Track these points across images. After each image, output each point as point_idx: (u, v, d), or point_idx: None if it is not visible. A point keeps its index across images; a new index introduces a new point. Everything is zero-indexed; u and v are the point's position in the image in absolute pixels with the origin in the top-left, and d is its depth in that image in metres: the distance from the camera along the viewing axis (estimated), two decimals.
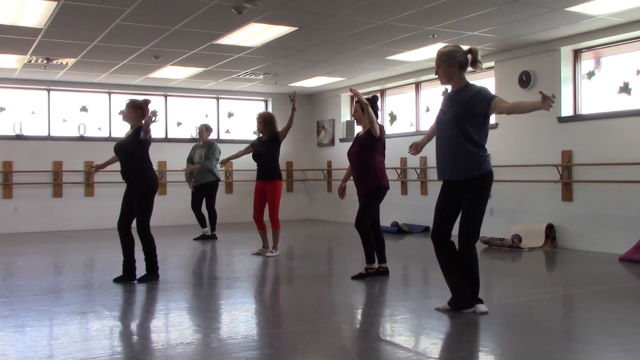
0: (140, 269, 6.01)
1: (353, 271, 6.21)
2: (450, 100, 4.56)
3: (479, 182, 4.43)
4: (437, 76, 4.63)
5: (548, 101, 3.99)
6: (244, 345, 3.94)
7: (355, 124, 7.25)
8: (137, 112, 5.96)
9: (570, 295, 5.58)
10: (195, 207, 9.49)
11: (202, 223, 9.51)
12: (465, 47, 4.58)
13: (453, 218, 4.61)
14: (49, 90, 11.72)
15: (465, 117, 4.39)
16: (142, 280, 5.96)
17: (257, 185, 7.74)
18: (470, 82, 4.56)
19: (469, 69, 4.53)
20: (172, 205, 11.87)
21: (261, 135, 7.85)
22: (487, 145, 4.51)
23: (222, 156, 8.80)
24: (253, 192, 7.83)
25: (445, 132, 4.51)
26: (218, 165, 9.45)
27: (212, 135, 12.92)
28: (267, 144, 7.69)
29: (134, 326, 4.34)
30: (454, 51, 4.52)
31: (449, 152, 4.49)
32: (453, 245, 4.61)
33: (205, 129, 9.72)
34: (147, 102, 6.05)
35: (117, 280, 5.98)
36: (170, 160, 12.45)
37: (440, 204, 4.63)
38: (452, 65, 4.48)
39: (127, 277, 5.97)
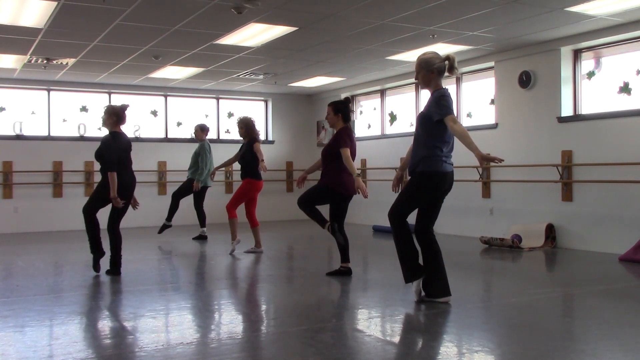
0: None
1: (353, 271, 6.22)
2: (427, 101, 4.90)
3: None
4: (416, 81, 4.94)
5: (489, 160, 4.33)
6: (243, 345, 3.94)
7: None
8: (113, 119, 6.29)
9: (570, 295, 5.58)
10: (197, 206, 9.50)
11: (202, 222, 9.51)
12: (442, 55, 4.89)
13: (424, 214, 4.89)
14: (49, 90, 11.72)
15: (427, 118, 4.71)
16: (108, 273, 6.33)
17: None
18: (444, 87, 4.80)
19: (446, 74, 4.84)
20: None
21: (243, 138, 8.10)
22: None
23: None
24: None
25: (415, 129, 4.88)
26: (211, 168, 9.42)
27: (213, 135, 13.02)
28: (246, 146, 7.93)
29: (133, 326, 4.34)
30: (432, 58, 4.81)
31: (413, 148, 4.84)
32: (431, 242, 4.86)
33: (200, 129, 9.63)
34: (124, 107, 6.39)
35: (95, 266, 6.38)
36: (170, 160, 12.46)
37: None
38: (431, 71, 4.77)
39: (98, 255, 6.39)
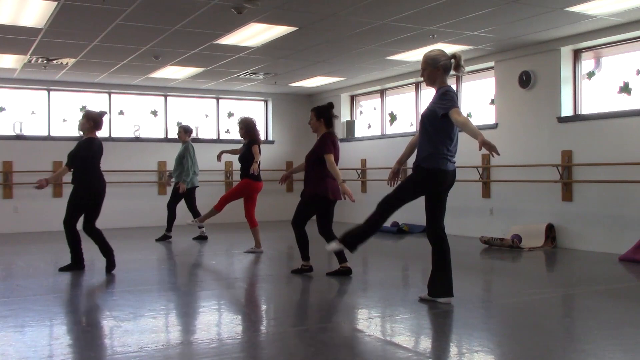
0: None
1: (353, 271, 6.22)
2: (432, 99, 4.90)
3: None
4: (422, 78, 4.95)
5: (487, 148, 4.24)
6: (243, 345, 3.94)
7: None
8: (90, 123, 6.44)
9: (570, 295, 5.58)
10: (190, 208, 9.43)
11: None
12: (449, 52, 4.89)
13: (431, 211, 4.89)
14: (49, 90, 11.72)
15: (432, 114, 4.71)
16: (107, 270, 6.44)
17: None
18: (448, 85, 4.80)
19: (452, 72, 4.83)
20: None
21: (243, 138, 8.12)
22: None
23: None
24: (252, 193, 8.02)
25: (420, 126, 4.88)
26: (195, 170, 9.35)
27: (213, 135, 13.03)
28: (246, 146, 7.95)
29: (133, 326, 4.34)
30: (438, 56, 4.81)
31: (419, 144, 4.83)
32: (441, 241, 4.83)
33: (183, 131, 9.51)
34: (102, 114, 6.54)
35: (64, 269, 6.50)
36: (170, 161, 12.39)
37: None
38: (436, 68, 4.77)
39: (77, 268, 6.52)
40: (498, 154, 4.25)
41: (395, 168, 5.17)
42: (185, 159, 9.22)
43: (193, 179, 9.29)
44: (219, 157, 8.65)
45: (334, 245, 4.97)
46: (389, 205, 4.83)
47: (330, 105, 6.33)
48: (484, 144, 4.21)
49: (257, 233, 7.97)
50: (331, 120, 6.21)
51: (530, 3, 6.68)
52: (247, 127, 7.93)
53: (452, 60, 4.76)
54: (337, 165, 6.02)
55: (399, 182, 5.07)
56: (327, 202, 6.10)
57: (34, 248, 9.00)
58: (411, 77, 10.98)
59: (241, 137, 8.05)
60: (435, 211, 4.88)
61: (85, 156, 6.35)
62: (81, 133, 6.56)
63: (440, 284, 4.83)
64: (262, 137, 13.67)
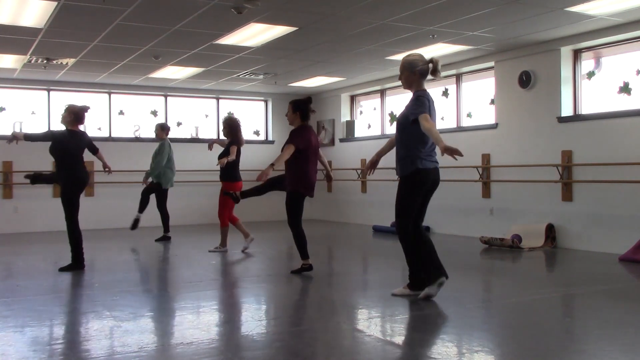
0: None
1: (353, 271, 6.22)
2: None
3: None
4: (400, 81, 5.05)
5: (449, 153, 4.33)
6: (243, 345, 3.94)
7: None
8: (71, 116, 6.60)
9: (570, 295, 5.58)
10: (143, 197, 9.40)
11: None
12: (427, 57, 5.00)
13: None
14: (49, 90, 11.72)
15: (405, 119, 4.83)
16: (65, 269, 6.50)
17: None
18: (424, 89, 4.90)
19: (430, 77, 4.96)
20: (169, 205, 11.85)
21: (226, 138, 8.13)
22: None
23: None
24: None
25: (396, 130, 5.00)
26: (172, 168, 9.33)
27: (212, 135, 13.03)
28: (227, 146, 7.98)
29: (133, 326, 4.34)
30: (416, 60, 4.91)
31: (396, 149, 4.97)
32: (419, 236, 5.01)
33: (160, 128, 9.46)
34: (84, 108, 6.69)
35: (64, 269, 6.51)
36: None
37: None
38: (413, 73, 4.88)
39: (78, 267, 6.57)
40: (461, 155, 4.32)
41: (374, 159, 5.29)
42: (160, 157, 9.16)
43: (171, 179, 9.28)
44: (210, 147, 8.73)
45: (428, 291, 5.00)
46: (405, 231, 4.96)
47: (308, 100, 6.42)
48: (446, 149, 4.31)
49: (226, 234, 8.02)
50: (307, 114, 6.30)
51: (530, 3, 6.68)
52: (230, 126, 7.93)
53: (430, 65, 4.84)
54: (317, 158, 6.24)
55: (373, 172, 5.31)
56: (298, 194, 6.21)
57: (34, 248, 9.00)
58: None
59: (224, 136, 8.10)
60: (418, 212, 4.98)
61: (66, 148, 6.45)
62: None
63: (428, 274, 4.94)
64: (262, 137, 13.75)
